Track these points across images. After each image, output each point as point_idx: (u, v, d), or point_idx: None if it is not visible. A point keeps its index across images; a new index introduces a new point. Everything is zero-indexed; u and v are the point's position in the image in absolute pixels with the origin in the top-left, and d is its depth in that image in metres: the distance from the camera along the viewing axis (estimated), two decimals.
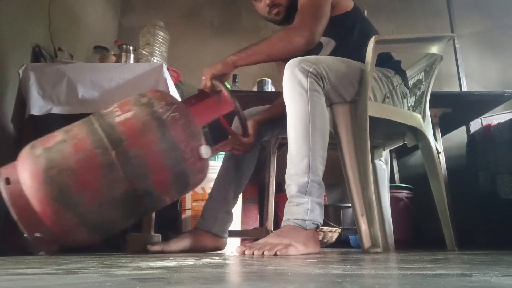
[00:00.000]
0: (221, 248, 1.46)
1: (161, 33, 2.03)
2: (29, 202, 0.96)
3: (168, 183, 1.06)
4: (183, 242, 1.36)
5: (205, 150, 1.10)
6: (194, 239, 1.38)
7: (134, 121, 1.03)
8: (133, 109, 1.06)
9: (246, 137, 1.37)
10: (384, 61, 1.41)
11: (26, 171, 0.97)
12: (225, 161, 1.51)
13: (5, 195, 0.98)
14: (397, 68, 1.44)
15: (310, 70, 1.15)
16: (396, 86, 1.39)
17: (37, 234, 0.99)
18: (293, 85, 1.16)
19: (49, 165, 0.96)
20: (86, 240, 1.02)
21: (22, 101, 1.75)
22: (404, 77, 1.45)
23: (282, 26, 1.54)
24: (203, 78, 1.27)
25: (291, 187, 1.12)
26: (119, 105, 1.09)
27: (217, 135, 1.89)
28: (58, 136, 1.03)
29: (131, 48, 1.93)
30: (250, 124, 1.40)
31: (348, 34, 1.40)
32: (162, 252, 1.30)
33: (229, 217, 1.46)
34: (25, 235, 0.99)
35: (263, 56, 1.23)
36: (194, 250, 1.38)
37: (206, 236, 1.40)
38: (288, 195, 1.14)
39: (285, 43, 1.23)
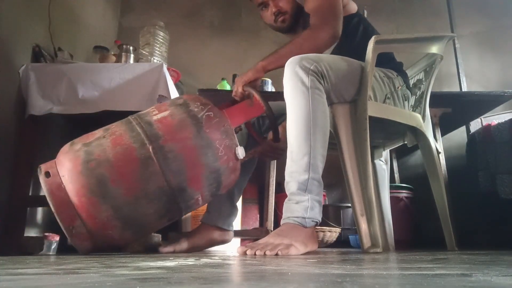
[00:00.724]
0: (228, 241, 1.47)
1: (161, 33, 2.03)
2: (67, 194, 0.98)
3: (202, 180, 1.07)
4: (193, 240, 1.38)
5: (240, 151, 1.12)
6: (201, 235, 1.40)
7: (170, 119, 1.08)
8: (169, 109, 1.11)
9: (277, 142, 1.36)
10: (387, 61, 1.41)
11: (66, 164, 1.01)
12: None
13: (44, 188, 1.00)
14: (399, 70, 1.45)
15: (311, 68, 1.16)
16: (398, 87, 1.39)
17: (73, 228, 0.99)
18: (294, 83, 1.16)
19: (88, 158, 1.00)
20: (119, 237, 1.03)
21: (22, 101, 1.75)
22: (406, 79, 1.45)
23: (287, 35, 1.56)
24: (235, 86, 1.32)
25: (291, 184, 1.13)
26: (156, 107, 1.14)
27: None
28: (97, 133, 1.08)
29: (131, 48, 1.93)
30: (281, 130, 1.39)
31: (352, 35, 1.42)
32: (174, 252, 1.31)
33: (233, 210, 1.47)
34: (62, 228, 1.00)
35: (292, 56, 1.25)
36: (204, 245, 1.41)
37: (213, 231, 1.42)
38: (287, 192, 1.14)
39: (311, 41, 1.28)
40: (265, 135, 1.49)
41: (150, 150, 1.02)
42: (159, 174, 1.01)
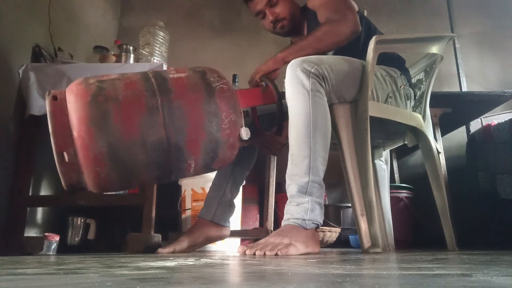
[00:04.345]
0: (225, 237, 1.47)
1: (161, 33, 2.03)
2: (68, 120, 1.00)
3: (200, 145, 1.08)
4: (192, 237, 1.37)
5: (245, 132, 1.13)
6: (199, 231, 1.40)
7: (185, 80, 1.11)
8: (187, 72, 1.15)
9: (279, 135, 1.35)
10: (390, 60, 1.41)
11: (75, 92, 1.02)
12: None
13: (48, 109, 1.01)
14: (403, 68, 1.45)
15: (312, 70, 1.16)
16: (400, 87, 1.39)
17: (65, 155, 1.00)
18: (295, 86, 1.16)
19: (98, 92, 1.02)
20: (105, 176, 1.02)
21: (22, 101, 1.75)
22: (409, 78, 1.45)
23: (291, 37, 1.56)
24: (252, 74, 1.32)
25: (292, 187, 1.13)
26: (175, 69, 1.19)
27: None
28: (113, 76, 1.11)
29: (131, 48, 1.93)
30: (285, 125, 1.40)
31: None
32: (174, 252, 1.31)
33: (230, 206, 1.46)
34: (54, 153, 1.00)
35: (311, 50, 1.26)
36: (202, 242, 1.41)
37: (209, 227, 1.41)
38: (288, 195, 1.14)
39: (332, 36, 1.27)
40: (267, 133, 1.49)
41: (159, 101, 1.04)
42: (161, 126, 1.03)
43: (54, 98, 1.02)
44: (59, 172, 1.02)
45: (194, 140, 1.07)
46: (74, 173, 1.02)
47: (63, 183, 1.04)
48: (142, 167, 1.05)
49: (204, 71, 1.16)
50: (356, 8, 1.40)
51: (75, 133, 0.99)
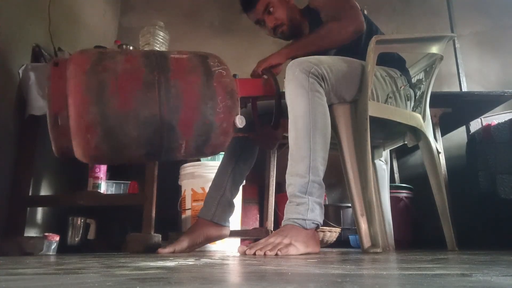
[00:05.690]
0: (224, 236, 1.47)
1: (161, 33, 2.03)
2: (65, 85, 1.01)
3: (193, 127, 1.09)
4: (192, 237, 1.37)
5: (240, 120, 1.13)
6: (199, 231, 1.40)
7: (185, 61, 1.13)
8: (189, 54, 1.16)
9: (276, 129, 1.35)
10: (390, 60, 1.41)
11: (76, 60, 1.04)
12: (226, 150, 1.51)
13: (48, 74, 1.03)
14: (403, 69, 1.45)
15: (311, 71, 1.16)
16: (400, 87, 1.39)
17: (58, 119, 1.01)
18: (295, 86, 1.16)
19: (98, 62, 1.04)
20: (94, 146, 1.02)
21: (22, 101, 1.75)
22: (409, 78, 1.45)
23: (292, 40, 1.57)
24: (255, 67, 1.33)
25: (292, 187, 1.13)
26: (178, 51, 1.20)
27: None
28: (115, 50, 1.14)
29: (131, 48, 1.93)
30: (283, 122, 1.39)
31: None
32: (174, 252, 1.31)
33: (229, 205, 1.46)
34: (47, 116, 1.01)
35: (314, 47, 1.28)
36: (202, 242, 1.41)
37: (209, 226, 1.41)
38: (288, 195, 1.14)
39: (335, 34, 1.29)
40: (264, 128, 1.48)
41: (156, 78, 1.05)
42: (156, 102, 1.04)
43: (55, 64, 1.04)
44: (50, 135, 1.03)
45: (187, 120, 1.07)
46: (65, 138, 1.02)
47: (53, 147, 1.05)
48: (132, 141, 1.05)
49: (206, 56, 1.16)
50: (358, 7, 1.41)
51: (70, 99, 1.00)
